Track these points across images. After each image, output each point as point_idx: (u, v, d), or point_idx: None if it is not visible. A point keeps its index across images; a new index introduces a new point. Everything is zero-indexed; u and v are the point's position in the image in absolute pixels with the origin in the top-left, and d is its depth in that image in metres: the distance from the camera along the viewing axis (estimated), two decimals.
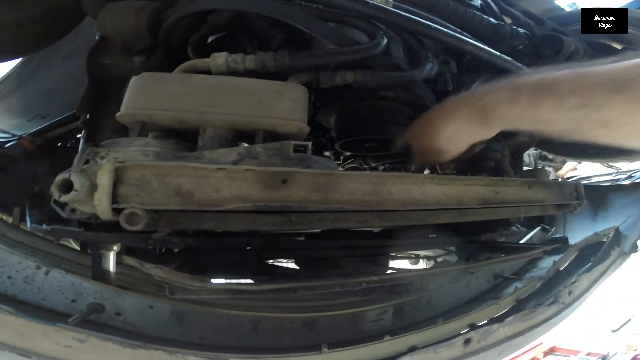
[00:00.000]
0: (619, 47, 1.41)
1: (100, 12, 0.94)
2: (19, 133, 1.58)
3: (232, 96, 0.72)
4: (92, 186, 0.64)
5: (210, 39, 1.03)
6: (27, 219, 1.26)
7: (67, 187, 0.64)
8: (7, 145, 1.41)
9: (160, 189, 0.63)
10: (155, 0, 0.96)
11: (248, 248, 0.98)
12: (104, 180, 0.63)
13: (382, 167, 1.52)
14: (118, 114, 0.75)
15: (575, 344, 5.54)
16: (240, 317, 1.03)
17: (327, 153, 1.53)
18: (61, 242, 1.40)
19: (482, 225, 1.22)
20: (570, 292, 1.14)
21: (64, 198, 0.64)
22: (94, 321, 0.91)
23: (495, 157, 1.16)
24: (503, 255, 1.19)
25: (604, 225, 1.64)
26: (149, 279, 1.33)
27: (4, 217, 1.39)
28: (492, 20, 1.12)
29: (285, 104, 0.74)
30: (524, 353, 5.02)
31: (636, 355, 5.19)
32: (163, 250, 1.25)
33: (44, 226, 1.12)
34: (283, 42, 0.90)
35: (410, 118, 1.10)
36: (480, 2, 1.24)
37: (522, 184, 0.90)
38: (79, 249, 1.41)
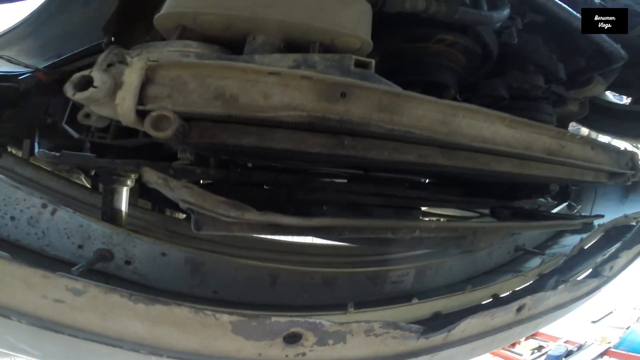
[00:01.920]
0: None
1: None
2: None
3: (292, 0, 0.63)
4: (115, 85, 0.54)
5: None
6: (36, 147, 1.17)
7: (85, 84, 0.54)
8: (21, 78, 1.30)
9: (199, 91, 0.54)
10: None
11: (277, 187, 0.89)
12: (132, 77, 0.53)
13: None
14: (157, 15, 0.65)
15: (555, 331, 5.74)
16: (258, 269, 0.96)
17: None
18: (71, 179, 1.32)
19: (519, 190, 1.15)
20: (611, 267, 1.09)
21: (79, 96, 0.54)
22: (100, 271, 0.82)
23: (546, 119, 1.07)
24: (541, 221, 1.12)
25: (634, 209, 1.58)
26: (163, 223, 1.26)
27: (14, 152, 1.31)
28: None
29: (349, 15, 0.64)
30: None
31: (608, 348, 5.41)
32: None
33: (53, 153, 1.03)
34: None
35: (464, 67, 1.00)
36: None
37: (586, 142, 0.82)
38: (89, 187, 1.33)
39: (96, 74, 0.53)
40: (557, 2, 0.98)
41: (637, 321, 5.93)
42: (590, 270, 1.07)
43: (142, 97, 0.53)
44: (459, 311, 0.95)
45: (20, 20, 1.45)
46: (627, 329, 5.76)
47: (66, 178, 1.31)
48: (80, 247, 0.84)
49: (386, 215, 0.88)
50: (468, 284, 0.96)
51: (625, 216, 1.48)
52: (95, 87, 0.53)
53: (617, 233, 1.43)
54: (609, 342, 5.59)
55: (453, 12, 0.79)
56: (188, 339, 0.57)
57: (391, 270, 1.06)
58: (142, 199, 1.31)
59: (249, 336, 0.58)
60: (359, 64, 0.60)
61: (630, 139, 1.68)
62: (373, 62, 0.60)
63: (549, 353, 5.44)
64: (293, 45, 0.66)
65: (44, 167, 1.29)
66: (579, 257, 1.35)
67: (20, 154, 1.32)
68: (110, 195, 1.03)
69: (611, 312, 6.48)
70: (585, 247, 1.40)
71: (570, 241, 1.49)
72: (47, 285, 0.50)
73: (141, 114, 0.54)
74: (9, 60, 1.45)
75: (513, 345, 5.49)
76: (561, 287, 0.89)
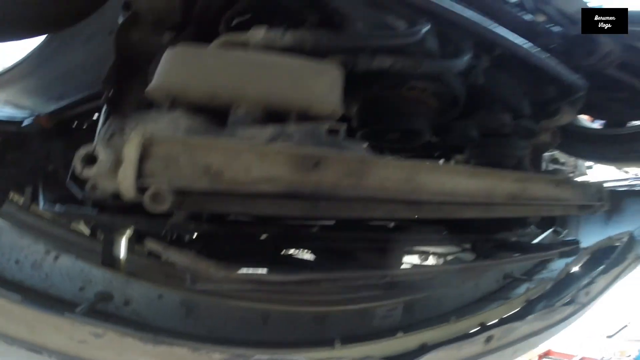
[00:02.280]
0: None
1: None
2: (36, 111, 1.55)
3: (270, 73, 0.70)
4: (117, 160, 0.61)
5: (235, 21, 1.00)
6: (41, 199, 1.24)
7: (91, 160, 0.61)
8: (24, 124, 1.37)
9: (189, 167, 0.60)
10: None
11: (265, 236, 0.96)
12: (131, 153, 0.59)
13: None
14: (149, 87, 0.72)
15: (570, 348, 5.57)
16: (250, 310, 1.02)
17: None
18: (72, 226, 1.38)
19: (499, 224, 1.20)
20: (587, 293, 1.14)
21: (87, 172, 0.61)
22: (102, 311, 0.91)
23: (519, 154, 1.13)
24: (519, 254, 1.17)
25: (617, 229, 1.62)
26: (159, 268, 1.32)
27: (16, 197, 1.37)
28: (527, 16, 1.09)
29: (322, 85, 0.71)
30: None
31: None
32: (173, 239, 1.23)
33: (57, 207, 1.09)
34: (314, 24, 0.87)
35: (437, 110, 1.08)
36: None
37: (549, 181, 0.89)
38: (89, 233, 1.39)
39: (100, 150, 0.60)
40: (515, 42, 1.00)
41: None
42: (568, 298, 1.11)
43: (141, 172, 0.59)
44: (444, 342, 0.98)
45: (21, 58, 1.49)
46: None
47: (66, 226, 1.36)
48: (81, 289, 0.93)
49: (369, 258, 0.94)
50: (451, 316, 1.00)
51: (609, 238, 1.53)
52: (100, 163, 0.59)
53: (603, 255, 1.47)
54: (629, 356, 5.41)
55: (417, 65, 0.84)
56: None
57: (379, 306, 1.11)
58: (139, 245, 1.36)
59: None
60: (330, 131, 0.68)
61: (608, 162, 1.74)
62: (343, 127, 0.68)
63: None
64: (272, 113, 0.74)
65: (45, 215, 1.35)
66: (566, 281, 1.38)
67: (21, 200, 1.37)
68: (110, 244, 1.10)
69: (626, 326, 6.28)
70: (572, 271, 1.44)
71: (558, 265, 1.53)
72: (73, 329, 0.63)
73: (141, 189, 0.60)
74: (14, 105, 1.52)
75: None
76: (530, 317, 0.93)
